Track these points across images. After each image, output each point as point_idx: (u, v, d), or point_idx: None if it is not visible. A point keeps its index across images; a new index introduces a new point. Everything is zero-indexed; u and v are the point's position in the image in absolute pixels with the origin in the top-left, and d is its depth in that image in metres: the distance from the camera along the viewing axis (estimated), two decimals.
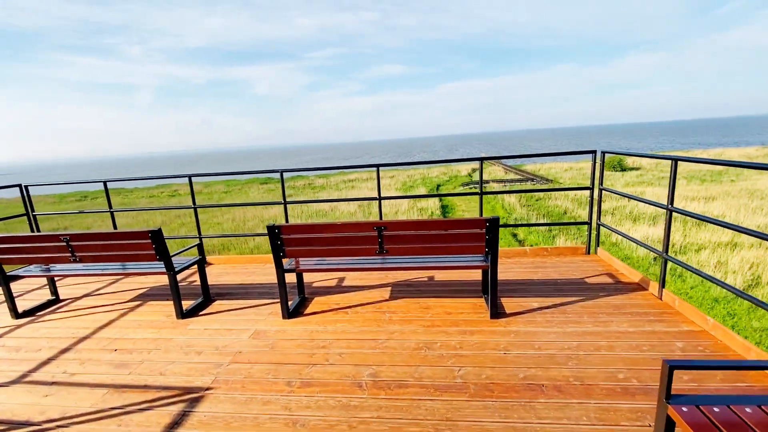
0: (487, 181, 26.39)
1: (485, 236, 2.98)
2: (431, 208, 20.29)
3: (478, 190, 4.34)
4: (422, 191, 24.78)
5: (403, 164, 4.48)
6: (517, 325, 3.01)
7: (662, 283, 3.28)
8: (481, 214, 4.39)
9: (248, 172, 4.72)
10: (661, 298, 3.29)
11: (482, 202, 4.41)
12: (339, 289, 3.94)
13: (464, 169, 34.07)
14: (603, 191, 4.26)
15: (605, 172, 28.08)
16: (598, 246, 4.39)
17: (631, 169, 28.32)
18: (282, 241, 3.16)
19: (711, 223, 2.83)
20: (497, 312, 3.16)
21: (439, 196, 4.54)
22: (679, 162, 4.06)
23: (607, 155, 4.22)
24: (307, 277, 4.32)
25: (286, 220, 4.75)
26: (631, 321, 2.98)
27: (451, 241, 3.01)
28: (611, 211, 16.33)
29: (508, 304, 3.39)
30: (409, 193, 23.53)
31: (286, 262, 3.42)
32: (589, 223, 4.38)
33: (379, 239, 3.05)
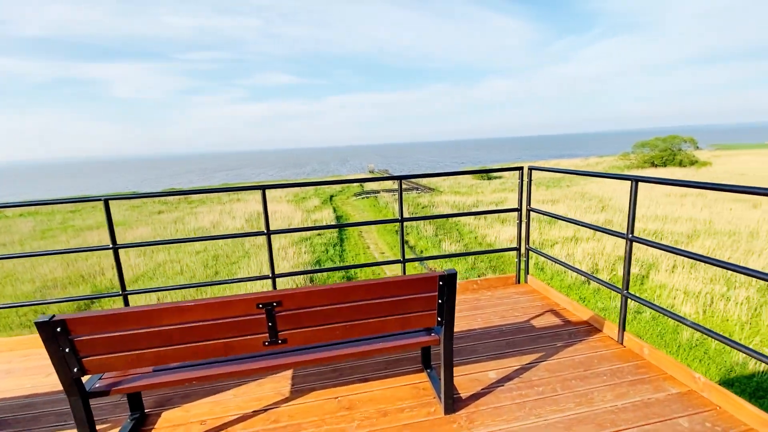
0: (377, 191, 26.15)
1: (437, 300, 1.89)
2: (325, 219, 18.99)
3: (398, 217, 3.28)
4: (315, 202, 23.23)
5: (295, 185, 3.17)
6: (484, 422, 1.98)
7: (623, 326, 2.64)
8: (402, 247, 3.34)
9: (47, 202, 2.84)
10: (622, 343, 2.65)
11: (402, 226, 3.37)
12: (204, 387, 2.41)
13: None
14: (532, 212, 3.60)
15: (474, 181, 30.28)
16: (528, 273, 3.72)
17: (496, 177, 31.32)
18: (74, 347, 1.58)
19: (675, 253, 2.24)
20: (452, 401, 2.09)
21: (354, 225, 3.36)
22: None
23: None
24: None
25: (119, 270, 2.97)
26: (612, 388, 2.21)
27: (388, 312, 1.84)
28: (484, 216, 17.30)
29: (459, 376, 2.36)
30: (301, 206, 21.71)
31: (88, 380, 1.80)
32: (519, 249, 3.68)
33: (269, 323, 1.72)
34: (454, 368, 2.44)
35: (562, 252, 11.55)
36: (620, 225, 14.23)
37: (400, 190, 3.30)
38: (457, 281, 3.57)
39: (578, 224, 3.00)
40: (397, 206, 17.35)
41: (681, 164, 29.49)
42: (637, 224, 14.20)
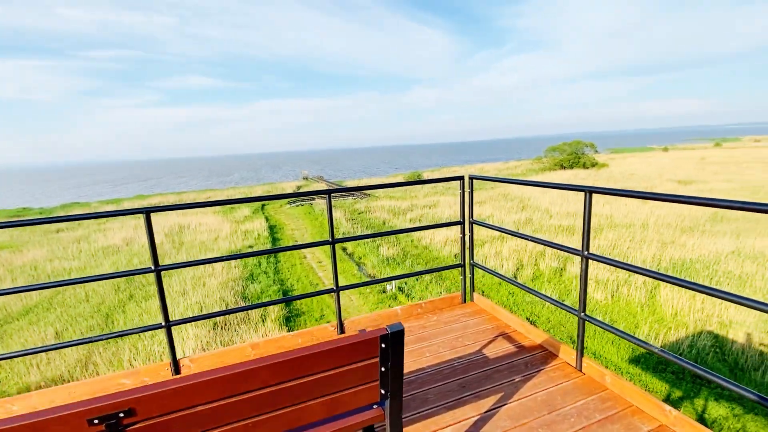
0: (313, 198, 25.13)
1: (380, 367, 1.35)
2: (257, 229, 17.53)
3: (329, 239, 2.71)
4: (246, 212, 21.54)
5: (180, 207, 2.45)
6: None
7: (581, 351, 2.35)
8: (335, 273, 2.77)
9: None
10: (581, 370, 2.36)
11: (334, 249, 2.80)
12: None
13: (289, 186, 32.11)
14: (474, 225, 3.26)
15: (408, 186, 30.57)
16: (474, 291, 3.37)
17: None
18: None
19: (633, 271, 2.00)
20: None
21: (282, 250, 2.70)
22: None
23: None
24: None
25: None
26: None
27: (308, 397, 1.27)
28: (418, 219, 17.32)
29: None
30: (229, 217, 19.92)
31: None
32: (463, 266, 3.32)
33: None
34: (405, 428, 1.93)
35: (491, 250, 11.78)
36: (539, 222, 15.04)
37: (330, 207, 2.73)
38: (399, 307, 3.08)
39: (530, 240, 2.69)
40: (334, 213, 16.55)
41: (584, 166, 32.70)
42: (550, 221, 15.11)
